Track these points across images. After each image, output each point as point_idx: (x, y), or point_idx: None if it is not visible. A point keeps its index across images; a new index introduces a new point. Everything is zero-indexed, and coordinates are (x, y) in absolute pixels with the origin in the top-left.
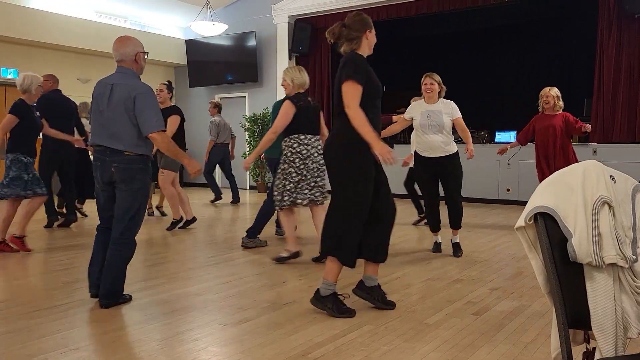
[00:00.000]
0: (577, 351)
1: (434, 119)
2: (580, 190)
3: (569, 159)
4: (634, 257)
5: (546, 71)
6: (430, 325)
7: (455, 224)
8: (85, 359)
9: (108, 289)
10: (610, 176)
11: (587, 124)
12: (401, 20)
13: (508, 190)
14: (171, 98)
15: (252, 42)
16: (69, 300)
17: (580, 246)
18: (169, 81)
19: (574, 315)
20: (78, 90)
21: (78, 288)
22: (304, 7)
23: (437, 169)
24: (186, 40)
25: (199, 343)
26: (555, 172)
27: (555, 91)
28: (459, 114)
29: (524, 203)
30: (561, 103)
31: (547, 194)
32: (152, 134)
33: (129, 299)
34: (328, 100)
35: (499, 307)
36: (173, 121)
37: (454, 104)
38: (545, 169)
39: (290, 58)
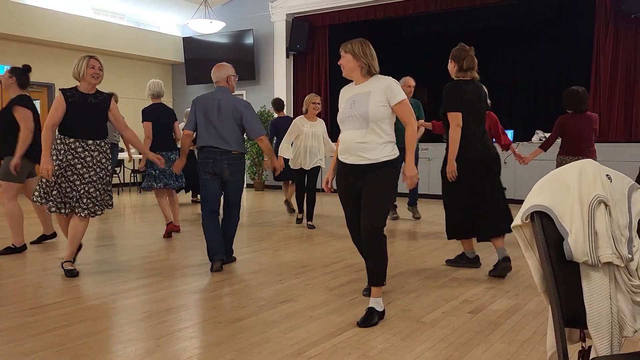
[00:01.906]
0: (573, 350)
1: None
2: (576, 189)
3: None
4: (630, 255)
5: (545, 71)
6: (426, 324)
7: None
8: (81, 357)
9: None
10: (607, 175)
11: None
12: (399, 19)
13: (505, 189)
14: (24, 85)
15: (249, 40)
16: (64, 298)
17: (576, 245)
18: (25, 65)
19: (570, 313)
20: None
21: (73, 286)
22: (301, 5)
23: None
24: (183, 38)
25: (195, 341)
26: (552, 171)
27: None
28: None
29: (521, 202)
30: (487, 103)
31: (543, 193)
32: (259, 137)
33: (234, 259)
34: (325, 99)
35: (494, 305)
36: (21, 115)
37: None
38: None
39: (287, 56)
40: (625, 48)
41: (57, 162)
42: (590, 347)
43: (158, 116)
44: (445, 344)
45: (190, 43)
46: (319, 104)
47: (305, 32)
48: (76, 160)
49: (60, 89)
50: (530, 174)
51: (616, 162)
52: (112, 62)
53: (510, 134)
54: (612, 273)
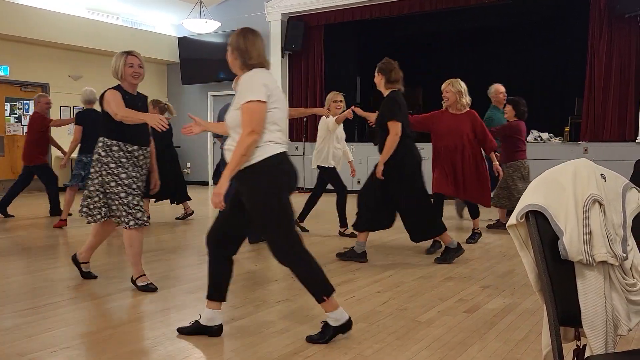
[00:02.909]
0: (568, 348)
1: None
2: (571, 188)
3: (480, 172)
4: (624, 254)
5: (540, 71)
6: (422, 323)
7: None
8: (76, 358)
9: None
10: (601, 174)
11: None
12: (393, 19)
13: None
14: None
15: None
16: (60, 299)
17: (571, 244)
18: None
19: (565, 312)
20: (69, 88)
21: (69, 287)
22: (297, 4)
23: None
24: (178, 38)
25: (191, 341)
26: (547, 171)
27: (456, 85)
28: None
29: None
30: (466, 100)
31: (538, 193)
32: None
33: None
34: (320, 98)
35: (490, 304)
36: None
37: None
38: (450, 178)
39: (283, 56)
40: (620, 48)
41: (124, 172)
42: (585, 345)
43: (88, 122)
44: (441, 344)
45: (185, 43)
46: (341, 101)
47: (301, 32)
48: (137, 169)
49: (110, 88)
50: None
51: (610, 162)
52: (106, 62)
53: None
54: (607, 272)
